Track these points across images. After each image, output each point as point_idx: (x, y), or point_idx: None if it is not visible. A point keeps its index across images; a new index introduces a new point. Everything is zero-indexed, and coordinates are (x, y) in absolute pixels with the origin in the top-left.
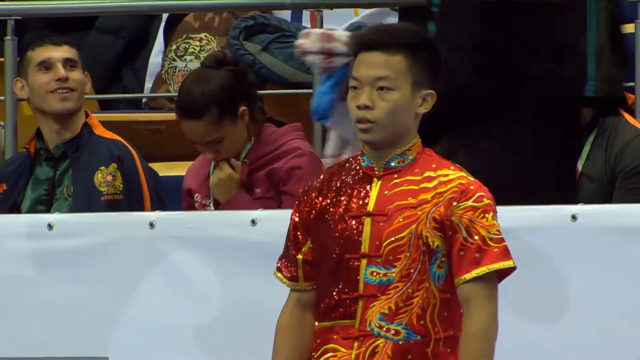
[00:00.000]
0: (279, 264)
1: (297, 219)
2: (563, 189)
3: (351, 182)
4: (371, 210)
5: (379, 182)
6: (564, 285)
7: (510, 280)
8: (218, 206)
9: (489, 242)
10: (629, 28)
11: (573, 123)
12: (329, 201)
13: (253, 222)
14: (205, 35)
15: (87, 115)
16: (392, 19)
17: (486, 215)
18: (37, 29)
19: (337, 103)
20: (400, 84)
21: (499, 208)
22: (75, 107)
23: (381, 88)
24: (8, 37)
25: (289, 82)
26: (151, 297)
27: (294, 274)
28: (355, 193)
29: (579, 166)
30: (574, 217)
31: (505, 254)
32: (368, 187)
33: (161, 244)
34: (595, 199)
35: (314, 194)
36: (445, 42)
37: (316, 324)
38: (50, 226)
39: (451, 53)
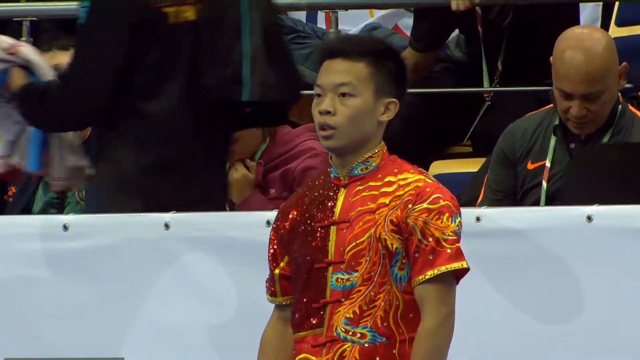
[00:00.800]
0: (265, 281)
1: (273, 236)
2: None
3: (321, 194)
4: (336, 218)
5: (344, 191)
6: (579, 286)
7: (524, 281)
8: (233, 207)
9: (443, 244)
10: (637, 30)
11: (232, 128)
12: (302, 215)
13: (268, 223)
14: None
15: None
16: (407, 19)
17: (441, 217)
18: (52, 30)
19: None
20: (362, 91)
21: (511, 209)
22: None
23: (343, 94)
24: (23, 38)
25: (305, 83)
26: (166, 297)
27: (272, 289)
28: (324, 204)
29: None
30: (589, 218)
31: (458, 255)
32: (335, 197)
33: (176, 245)
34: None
35: (289, 210)
36: None
37: (293, 335)
38: (65, 227)
39: None
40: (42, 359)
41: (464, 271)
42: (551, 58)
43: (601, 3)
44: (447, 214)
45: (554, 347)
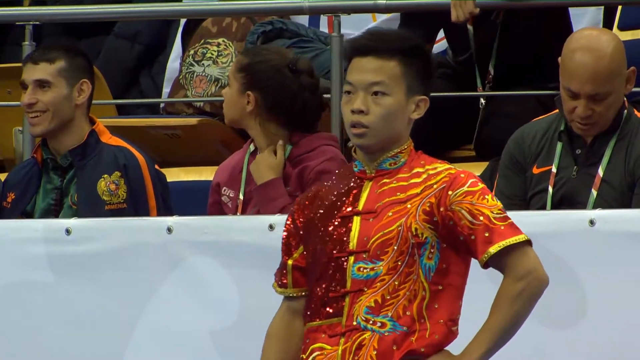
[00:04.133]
0: (275, 273)
1: (291, 227)
2: None
3: (343, 187)
4: (360, 209)
5: (370, 183)
6: (582, 290)
7: None
8: (248, 198)
9: (495, 222)
10: (636, 34)
11: None
12: (322, 206)
13: (271, 227)
14: (223, 41)
15: (93, 122)
16: None
17: (486, 196)
18: (54, 34)
19: None
20: (394, 90)
21: (514, 213)
22: (46, 129)
23: (375, 93)
24: (26, 42)
25: None
26: (169, 301)
27: (284, 281)
28: (346, 196)
29: (600, 172)
30: (591, 222)
31: (514, 229)
32: (360, 189)
33: (178, 249)
34: (616, 205)
35: (307, 202)
36: None
37: (305, 325)
38: (68, 231)
39: None
40: None
41: (528, 242)
42: (559, 58)
43: (602, 7)
44: (489, 195)
45: (556, 350)
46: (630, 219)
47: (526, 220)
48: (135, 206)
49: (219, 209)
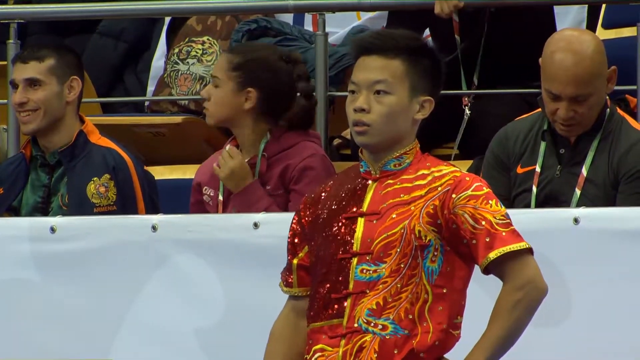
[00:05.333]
0: (281, 273)
1: (296, 226)
2: None
3: (349, 187)
4: (365, 210)
5: (375, 184)
6: (566, 288)
7: None
8: (229, 197)
9: (497, 227)
10: (630, 31)
11: None
12: (327, 207)
13: (255, 225)
14: (208, 39)
15: (82, 121)
16: None
17: (489, 201)
18: (39, 32)
19: None
20: (397, 89)
21: None
22: (38, 127)
23: (378, 92)
24: (11, 41)
25: None
26: (154, 299)
27: (289, 280)
28: (351, 197)
29: (584, 171)
30: (576, 221)
31: (515, 236)
32: (364, 190)
33: (163, 247)
34: (600, 204)
35: (313, 202)
36: None
37: (309, 325)
38: (52, 229)
39: None
40: None
41: (529, 249)
42: (540, 60)
43: (586, 5)
44: (494, 200)
45: (540, 348)
46: (614, 217)
47: (511, 219)
48: (124, 208)
49: (201, 208)
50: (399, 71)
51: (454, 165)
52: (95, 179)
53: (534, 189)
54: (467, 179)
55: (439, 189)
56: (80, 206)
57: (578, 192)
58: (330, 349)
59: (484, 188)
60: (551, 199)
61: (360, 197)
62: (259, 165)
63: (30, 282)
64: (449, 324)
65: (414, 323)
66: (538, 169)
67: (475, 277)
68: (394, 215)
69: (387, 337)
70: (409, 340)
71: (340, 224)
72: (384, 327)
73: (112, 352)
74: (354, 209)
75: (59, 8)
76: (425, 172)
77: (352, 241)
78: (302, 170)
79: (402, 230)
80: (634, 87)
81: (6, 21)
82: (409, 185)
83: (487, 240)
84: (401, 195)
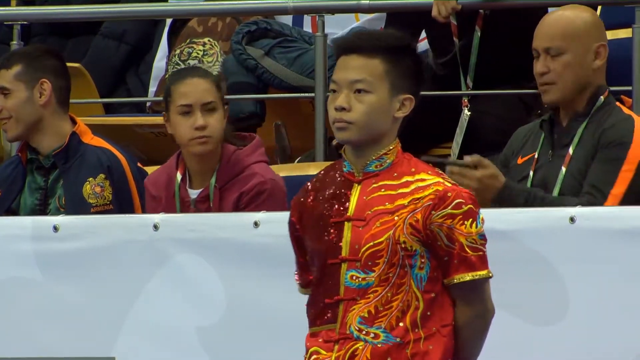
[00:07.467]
0: (295, 276)
1: (292, 230)
2: None
3: (334, 188)
4: (351, 215)
5: (359, 187)
6: (562, 287)
7: (508, 281)
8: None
9: (467, 250)
10: (625, 32)
11: None
12: (314, 210)
13: (256, 224)
14: (209, 40)
15: (74, 122)
16: None
17: (465, 222)
18: (42, 34)
19: None
20: (377, 87)
21: (496, 210)
22: (16, 134)
23: (358, 91)
24: (14, 42)
25: (291, 86)
26: (155, 298)
27: (308, 279)
28: (336, 199)
29: (570, 151)
30: (572, 220)
31: (482, 263)
32: (349, 193)
33: (165, 246)
34: (582, 179)
35: (301, 204)
36: None
37: (310, 329)
38: (55, 228)
39: None
40: (32, 359)
41: (489, 277)
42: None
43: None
44: (470, 219)
45: (537, 348)
46: (610, 217)
47: (506, 218)
48: (120, 206)
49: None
50: (378, 70)
51: (438, 174)
52: (90, 179)
53: (531, 174)
54: (449, 194)
55: (422, 201)
56: (78, 207)
57: (564, 169)
58: (324, 352)
59: (464, 206)
60: (543, 181)
61: (345, 200)
62: (212, 198)
63: (33, 281)
64: (440, 328)
65: (406, 330)
66: (536, 156)
67: None
68: (378, 224)
69: (379, 346)
70: (402, 348)
71: (328, 229)
72: (376, 336)
73: (114, 350)
74: (341, 213)
75: (62, 10)
76: (409, 179)
77: (341, 245)
78: (257, 194)
79: (388, 241)
80: (629, 88)
81: (10, 23)
82: (393, 192)
83: (456, 262)
84: (385, 204)
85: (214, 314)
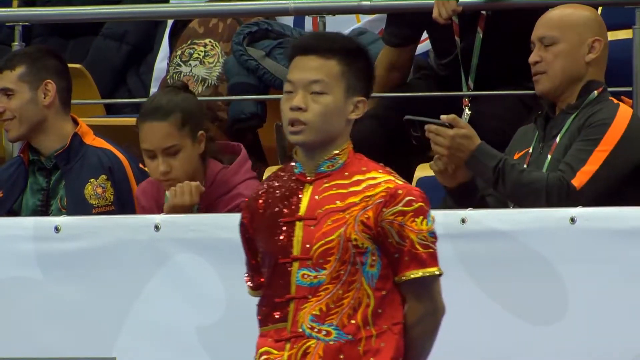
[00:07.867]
0: (245, 278)
1: (243, 229)
2: None
3: (285, 189)
4: (302, 214)
5: (310, 187)
6: (563, 287)
7: (508, 282)
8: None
9: (417, 247)
10: (625, 34)
11: None
12: (266, 210)
13: None
14: (210, 41)
15: (76, 123)
16: None
17: (416, 219)
18: (44, 34)
19: None
20: (333, 89)
21: (496, 211)
22: (18, 135)
23: (315, 92)
24: (16, 43)
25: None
26: (156, 298)
27: (259, 281)
28: (288, 199)
29: (557, 139)
30: (572, 220)
31: (432, 260)
32: (300, 193)
33: (166, 246)
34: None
35: (253, 204)
36: None
37: (260, 329)
38: (57, 228)
39: None
40: (33, 359)
41: (440, 275)
42: None
43: None
44: (421, 217)
45: (537, 347)
46: (610, 217)
47: (507, 218)
48: (122, 207)
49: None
50: (334, 71)
51: (389, 172)
52: (92, 180)
53: (525, 167)
54: (400, 192)
55: (373, 198)
56: (79, 208)
57: (549, 157)
58: (275, 352)
59: (414, 203)
60: None
61: (296, 200)
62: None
63: (35, 281)
64: (391, 325)
65: (358, 328)
66: (530, 150)
67: (473, 276)
68: (329, 222)
69: (331, 343)
70: (354, 345)
71: (279, 229)
72: (328, 333)
73: (115, 350)
74: (292, 213)
75: (64, 11)
76: (360, 177)
77: (292, 245)
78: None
79: (339, 238)
80: (630, 89)
81: (11, 24)
82: (344, 191)
83: (406, 259)
84: (336, 202)
85: (215, 313)
